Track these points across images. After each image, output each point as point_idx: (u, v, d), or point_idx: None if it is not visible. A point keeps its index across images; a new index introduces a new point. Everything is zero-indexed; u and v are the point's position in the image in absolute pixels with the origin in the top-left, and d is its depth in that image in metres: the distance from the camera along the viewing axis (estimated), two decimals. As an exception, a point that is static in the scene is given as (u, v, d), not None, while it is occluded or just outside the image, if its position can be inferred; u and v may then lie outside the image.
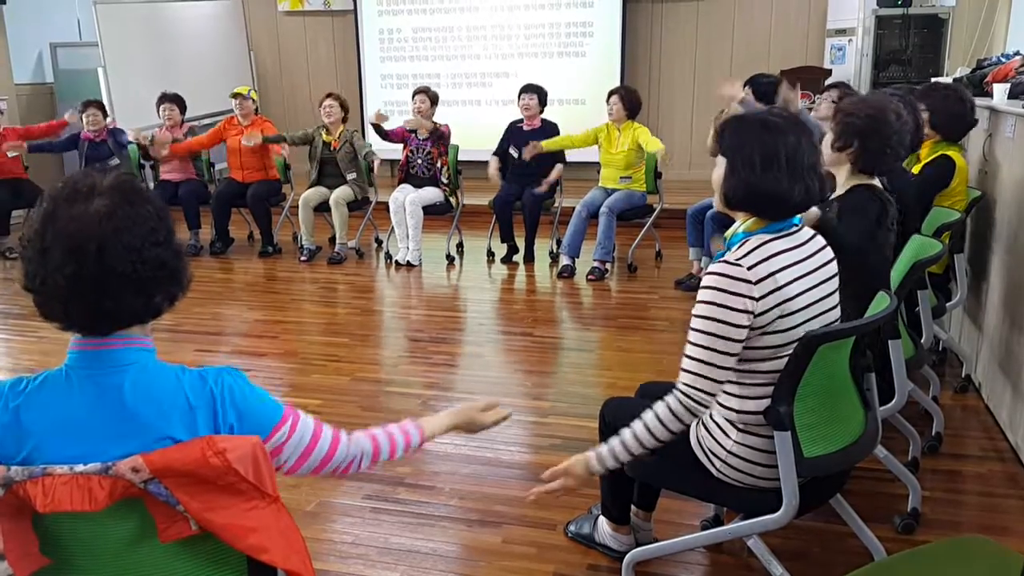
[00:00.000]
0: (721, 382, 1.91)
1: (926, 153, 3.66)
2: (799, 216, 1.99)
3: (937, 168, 3.57)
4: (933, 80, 4.81)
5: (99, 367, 1.37)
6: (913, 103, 3.22)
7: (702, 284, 1.90)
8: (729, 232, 2.00)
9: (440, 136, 6.24)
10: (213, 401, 1.41)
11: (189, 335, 4.72)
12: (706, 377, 1.89)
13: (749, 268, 1.86)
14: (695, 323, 1.91)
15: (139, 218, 1.34)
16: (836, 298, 2.02)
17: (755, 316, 1.87)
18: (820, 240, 2.03)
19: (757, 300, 1.85)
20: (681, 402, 1.91)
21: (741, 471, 2.00)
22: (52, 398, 1.36)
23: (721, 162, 1.96)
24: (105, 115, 6.74)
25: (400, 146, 6.50)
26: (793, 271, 1.91)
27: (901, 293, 2.48)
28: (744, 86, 5.54)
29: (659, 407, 1.94)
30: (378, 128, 6.30)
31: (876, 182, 2.65)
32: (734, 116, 2.02)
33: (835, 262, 2.03)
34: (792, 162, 1.87)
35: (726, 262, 1.89)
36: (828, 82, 5.78)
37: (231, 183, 6.70)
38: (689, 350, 1.91)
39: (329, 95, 6.47)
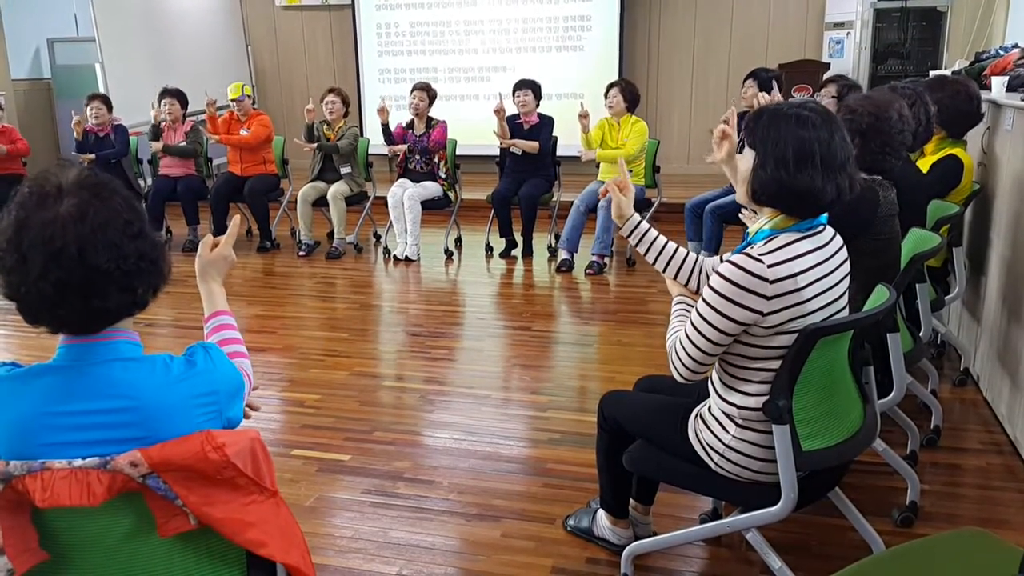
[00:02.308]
0: (706, 365, 1.96)
1: (931, 149, 3.63)
2: (824, 215, 1.94)
3: (946, 169, 3.54)
4: (934, 73, 4.79)
5: (89, 359, 1.37)
6: (924, 98, 3.19)
7: (719, 270, 1.87)
8: (753, 228, 1.94)
9: (435, 145, 6.21)
10: (203, 384, 1.42)
11: (188, 331, 4.72)
12: (692, 358, 1.95)
13: (770, 266, 1.82)
14: (701, 307, 1.90)
15: (112, 212, 1.33)
16: (846, 297, 2.01)
17: (764, 316, 1.84)
18: (839, 239, 1.99)
19: (769, 299, 1.83)
20: (671, 359, 2.02)
21: (740, 465, 2.00)
22: (45, 390, 1.36)
23: (749, 155, 1.90)
24: (109, 109, 6.73)
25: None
26: (814, 273, 1.87)
27: (900, 287, 2.48)
28: (746, 79, 5.54)
29: (673, 345, 2.03)
30: (386, 133, 6.28)
31: (878, 176, 2.65)
32: (767, 107, 1.93)
33: (848, 261, 2.01)
34: (825, 160, 1.82)
35: (748, 255, 1.85)
36: (826, 76, 5.77)
37: (229, 178, 6.68)
38: (688, 329, 1.94)
39: (331, 91, 6.46)
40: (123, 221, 1.33)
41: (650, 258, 2.31)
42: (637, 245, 2.31)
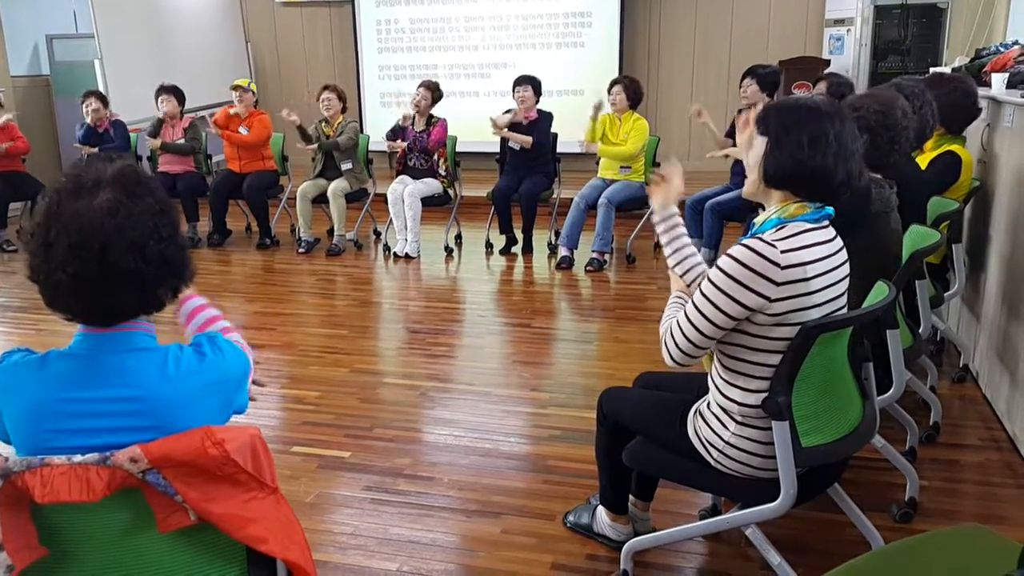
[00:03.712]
0: (700, 350, 1.95)
1: (930, 146, 3.63)
2: (830, 208, 1.96)
3: (944, 165, 3.54)
4: (936, 71, 4.78)
5: (103, 349, 1.39)
6: (927, 96, 3.19)
7: (729, 252, 1.87)
8: (760, 218, 1.95)
9: (434, 144, 6.21)
10: (213, 374, 1.44)
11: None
12: (689, 341, 1.93)
13: (782, 252, 1.83)
14: (706, 287, 1.89)
15: (142, 214, 1.34)
16: (847, 295, 2.02)
17: (771, 302, 1.84)
18: (839, 239, 2.00)
19: (778, 286, 1.83)
20: (665, 341, 2.00)
21: (739, 461, 2.01)
22: (58, 376, 1.37)
23: (760, 142, 1.92)
24: (106, 105, 6.72)
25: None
26: (822, 265, 1.88)
27: (899, 283, 2.48)
28: (744, 77, 5.54)
29: (669, 328, 2.01)
30: (395, 129, 6.28)
31: (877, 175, 2.65)
32: (778, 101, 1.99)
33: (848, 260, 2.01)
34: (839, 142, 1.86)
35: (760, 239, 1.85)
36: (819, 75, 5.77)
37: (229, 175, 6.68)
38: (689, 310, 1.93)
39: (326, 87, 6.46)
40: (152, 224, 1.35)
41: (668, 251, 2.29)
42: (663, 235, 2.29)
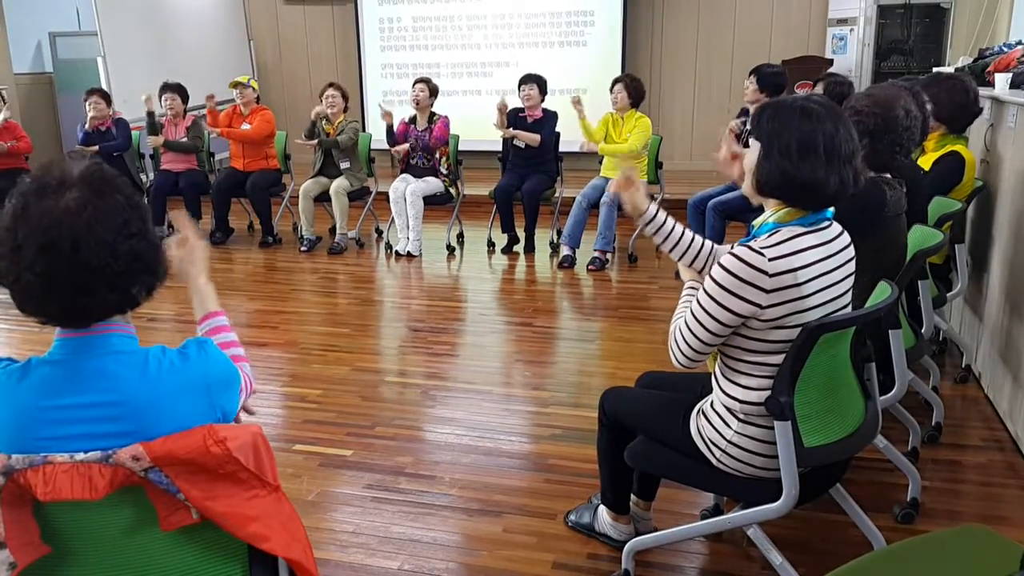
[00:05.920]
0: (703, 354, 1.99)
1: (932, 146, 3.62)
2: (831, 210, 1.96)
3: (948, 167, 3.53)
4: (936, 70, 4.78)
5: (83, 353, 1.37)
6: (921, 98, 3.19)
7: (720, 262, 1.89)
8: (758, 221, 1.96)
9: (436, 142, 6.20)
10: (195, 376, 1.42)
11: (189, 325, 4.72)
12: (690, 346, 1.98)
13: (770, 260, 1.84)
14: (702, 297, 1.92)
15: (111, 210, 1.32)
16: (850, 294, 2.02)
17: (763, 308, 1.85)
18: (846, 237, 2.00)
19: (768, 293, 1.84)
20: (670, 344, 2.05)
21: (741, 461, 2.01)
22: (39, 384, 1.36)
23: (754, 147, 1.92)
24: (109, 103, 6.72)
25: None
26: (816, 268, 1.88)
27: (902, 283, 2.48)
28: (750, 75, 5.53)
29: (674, 331, 2.05)
30: (389, 135, 6.28)
31: (886, 175, 2.64)
32: (772, 101, 1.98)
33: (854, 260, 2.01)
34: (829, 152, 1.84)
35: (749, 248, 1.86)
36: (823, 73, 5.75)
37: (231, 173, 6.69)
38: (688, 317, 1.97)
39: (331, 85, 6.45)
40: (121, 220, 1.33)
41: (666, 248, 2.32)
42: (654, 235, 2.32)
